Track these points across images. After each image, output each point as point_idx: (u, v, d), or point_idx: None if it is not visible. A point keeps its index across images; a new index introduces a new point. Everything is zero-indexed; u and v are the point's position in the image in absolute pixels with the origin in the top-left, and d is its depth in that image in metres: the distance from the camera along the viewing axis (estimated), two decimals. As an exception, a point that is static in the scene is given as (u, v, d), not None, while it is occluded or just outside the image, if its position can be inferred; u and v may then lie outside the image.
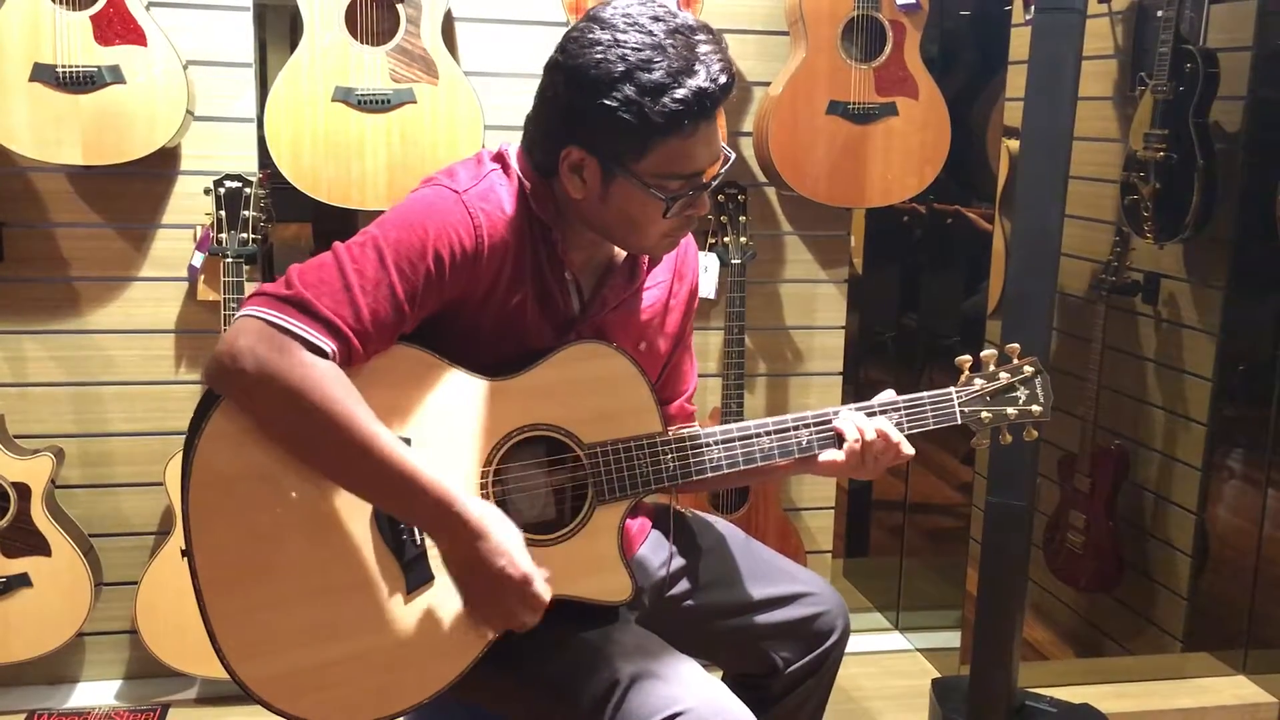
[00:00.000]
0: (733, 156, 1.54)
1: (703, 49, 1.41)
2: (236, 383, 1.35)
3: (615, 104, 1.38)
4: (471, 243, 1.45)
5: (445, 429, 1.47)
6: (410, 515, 1.44)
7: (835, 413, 1.62)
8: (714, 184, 1.50)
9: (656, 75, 1.38)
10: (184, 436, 1.41)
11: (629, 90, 1.38)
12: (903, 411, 1.64)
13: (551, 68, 1.46)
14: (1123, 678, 2.90)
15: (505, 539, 1.42)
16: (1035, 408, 1.70)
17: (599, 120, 1.40)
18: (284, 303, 1.37)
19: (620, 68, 1.38)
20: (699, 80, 1.39)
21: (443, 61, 2.43)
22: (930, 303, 3.43)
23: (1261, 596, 2.99)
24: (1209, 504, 3.08)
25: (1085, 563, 3.20)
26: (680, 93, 1.38)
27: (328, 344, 1.36)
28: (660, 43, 1.39)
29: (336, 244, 1.43)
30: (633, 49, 1.38)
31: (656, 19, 1.41)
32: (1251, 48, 2.90)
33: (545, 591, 1.43)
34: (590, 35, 1.41)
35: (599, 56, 1.39)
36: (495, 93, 2.53)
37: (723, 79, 1.41)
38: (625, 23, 1.40)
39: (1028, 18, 2.16)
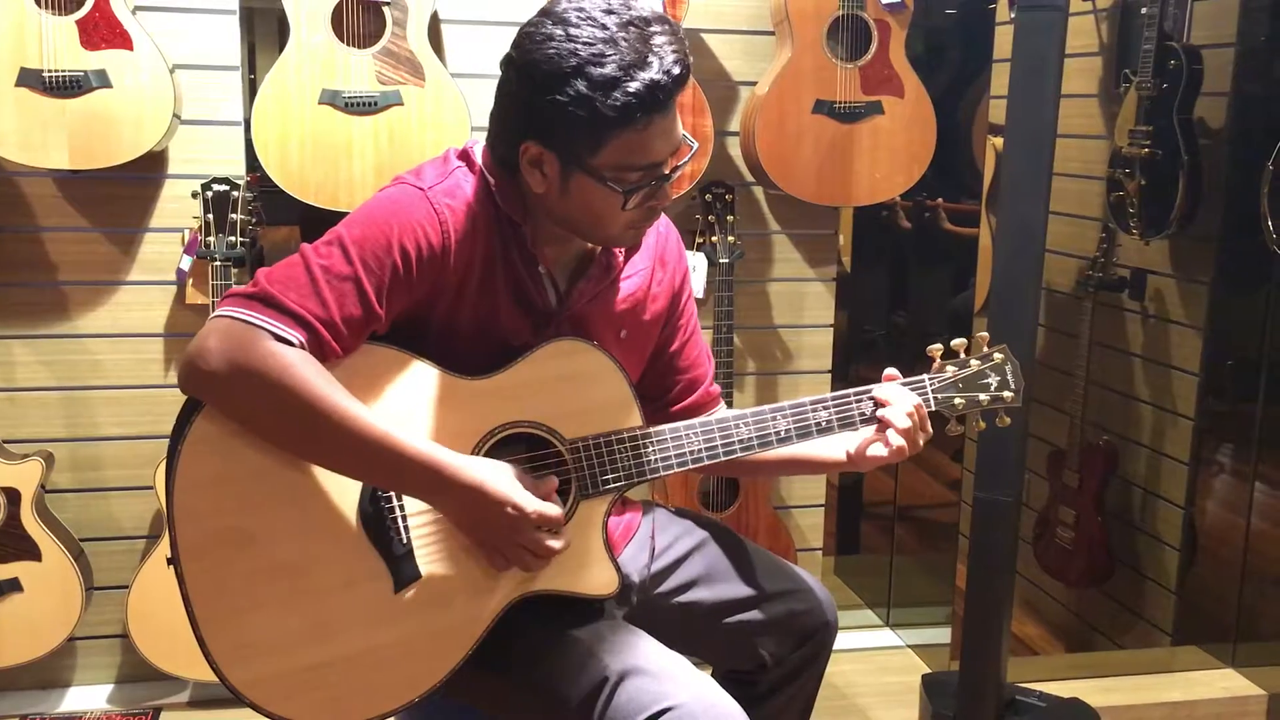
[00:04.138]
0: (695, 145, 1.54)
1: (657, 40, 1.40)
2: (209, 382, 1.36)
3: (566, 100, 1.38)
4: (438, 239, 1.45)
5: (426, 429, 1.47)
6: (403, 486, 1.45)
7: (822, 401, 1.62)
8: (675, 174, 1.49)
9: (608, 70, 1.37)
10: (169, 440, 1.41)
11: (580, 86, 1.38)
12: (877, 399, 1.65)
13: (506, 64, 1.47)
14: (1112, 672, 2.91)
15: (502, 486, 1.43)
16: (1007, 393, 1.71)
17: (552, 116, 1.40)
18: (250, 300, 1.38)
19: (571, 63, 1.38)
20: (651, 73, 1.38)
21: (429, 63, 2.44)
22: (919, 300, 3.44)
23: (1249, 590, 3.00)
24: (1197, 498, 3.09)
25: (1075, 558, 3.22)
26: (632, 86, 1.38)
27: (294, 334, 1.37)
28: (612, 36, 1.38)
29: (304, 245, 1.44)
30: (584, 44, 1.38)
31: (610, 12, 1.40)
32: (1234, 44, 2.92)
33: (554, 511, 1.46)
34: (543, 30, 1.41)
35: (551, 52, 1.39)
36: (482, 94, 2.52)
37: (676, 70, 1.40)
38: (578, 17, 1.40)
39: (1012, 16, 2.17)
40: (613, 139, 1.41)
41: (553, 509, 1.47)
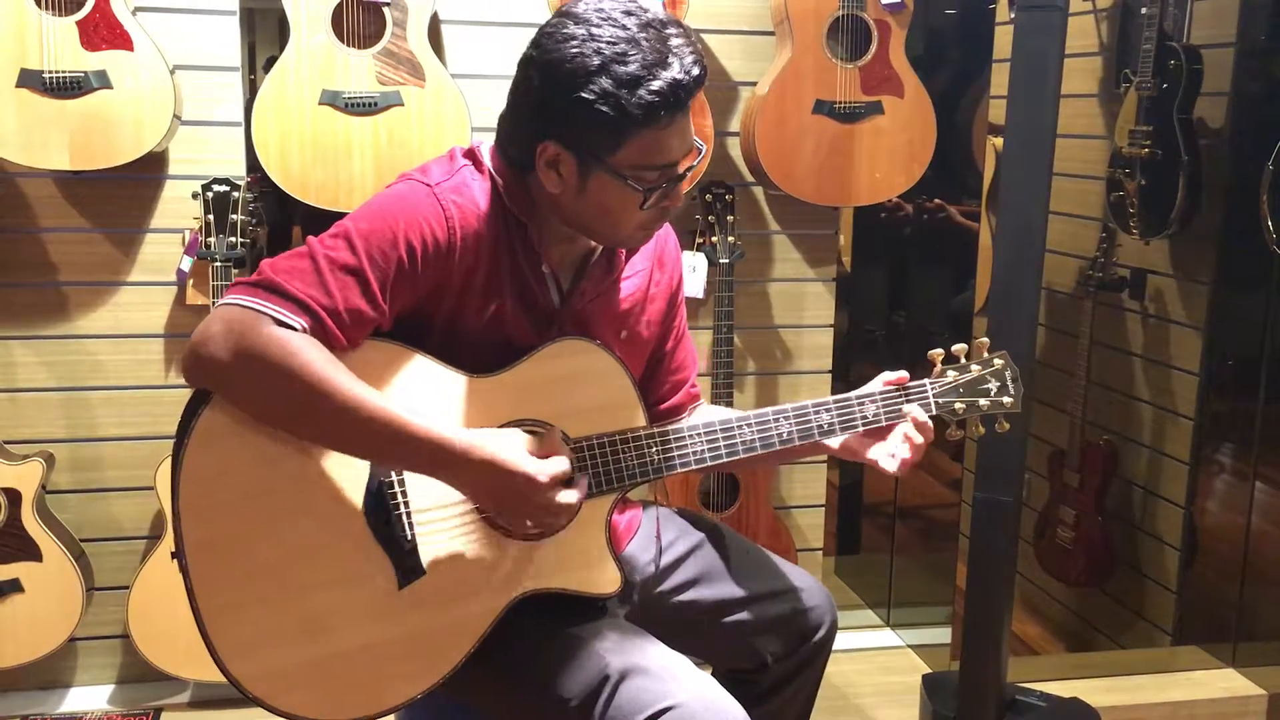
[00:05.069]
0: (704, 148, 1.57)
1: (675, 41, 1.43)
2: (212, 369, 1.37)
3: (592, 97, 1.40)
4: (444, 234, 1.46)
5: (430, 426, 1.48)
6: (411, 464, 1.46)
7: (824, 404, 1.63)
8: (687, 174, 1.51)
9: (632, 68, 1.40)
10: (173, 439, 1.41)
11: (605, 83, 1.40)
12: (879, 403, 1.65)
13: (525, 63, 1.48)
14: (1113, 672, 2.91)
15: (512, 458, 1.44)
16: (1006, 399, 1.71)
17: (575, 114, 1.42)
18: (254, 287, 1.39)
19: (596, 61, 1.40)
20: (673, 72, 1.41)
21: (429, 64, 2.44)
22: (920, 300, 3.44)
23: (1250, 590, 3.00)
24: (1197, 498, 3.09)
25: (1075, 558, 3.22)
26: (656, 84, 1.40)
27: (298, 320, 1.37)
28: (634, 36, 1.41)
29: (310, 237, 1.45)
30: (607, 43, 1.40)
31: (629, 13, 1.43)
32: (1234, 44, 2.92)
33: (563, 466, 1.47)
34: (565, 30, 1.43)
35: (574, 50, 1.41)
36: (482, 95, 2.53)
37: (695, 70, 1.43)
38: (599, 17, 1.42)
39: (1012, 16, 2.17)
40: (634, 137, 1.43)
41: (562, 464, 1.47)
